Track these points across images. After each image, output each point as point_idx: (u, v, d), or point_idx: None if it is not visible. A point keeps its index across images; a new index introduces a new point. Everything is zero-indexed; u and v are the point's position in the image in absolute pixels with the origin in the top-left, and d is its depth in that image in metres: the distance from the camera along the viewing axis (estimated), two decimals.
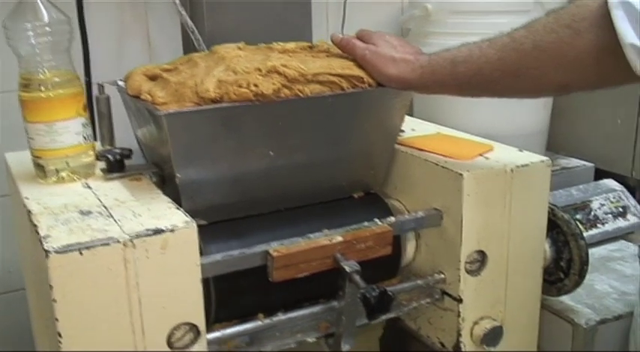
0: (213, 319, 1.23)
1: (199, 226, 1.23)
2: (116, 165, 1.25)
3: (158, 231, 1.02)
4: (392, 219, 1.32)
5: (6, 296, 1.80)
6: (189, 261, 1.06)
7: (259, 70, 1.18)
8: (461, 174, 1.27)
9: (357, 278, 1.17)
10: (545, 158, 1.36)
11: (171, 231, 1.03)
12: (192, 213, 1.13)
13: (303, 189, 1.34)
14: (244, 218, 1.30)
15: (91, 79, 1.72)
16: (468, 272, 1.34)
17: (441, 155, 1.36)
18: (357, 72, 1.25)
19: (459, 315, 1.35)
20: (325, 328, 1.27)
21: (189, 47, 1.71)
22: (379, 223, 1.28)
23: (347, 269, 1.18)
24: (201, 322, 1.09)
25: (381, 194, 1.45)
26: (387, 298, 1.12)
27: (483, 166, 1.31)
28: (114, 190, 1.20)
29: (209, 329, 1.17)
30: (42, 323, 1.23)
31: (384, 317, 1.30)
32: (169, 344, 1.07)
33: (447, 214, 1.33)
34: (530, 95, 1.22)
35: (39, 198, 1.16)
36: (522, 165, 1.33)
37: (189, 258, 1.05)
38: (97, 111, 1.33)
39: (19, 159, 1.33)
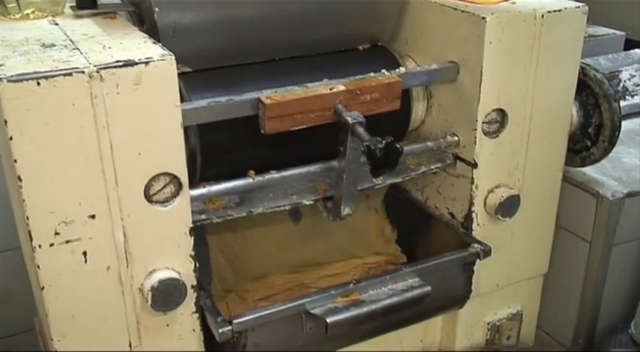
0: (199, 177, 1.11)
1: (183, 73, 1.11)
2: (87, 1, 1.09)
3: (130, 63, 0.87)
4: (402, 69, 1.16)
5: None
6: (167, 101, 0.91)
7: None
8: (483, 18, 1.10)
9: (360, 130, 1.03)
10: (580, 4, 1.19)
11: (146, 63, 0.88)
12: (175, 59, 0.99)
13: (301, 36, 1.18)
14: (234, 66, 1.16)
15: None
16: (485, 133, 1.20)
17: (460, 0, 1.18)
18: None
19: (472, 182, 1.23)
20: (323, 191, 1.15)
21: None
22: (387, 74, 1.13)
23: (349, 120, 1.04)
24: (182, 173, 0.96)
25: (389, 49, 1.29)
26: (393, 150, 0.98)
27: (509, 10, 1.14)
28: (83, 26, 1.04)
29: (194, 186, 1.05)
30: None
31: (389, 178, 1.18)
32: (147, 196, 0.95)
33: (464, 67, 1.17)
34: None
35: None
36: (555, 11, 1.16)
37: (166, 97, 0.91)
38: None
39: None
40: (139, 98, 0.89)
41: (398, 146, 0.99)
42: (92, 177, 0.90)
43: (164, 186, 0.96)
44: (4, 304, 1.71)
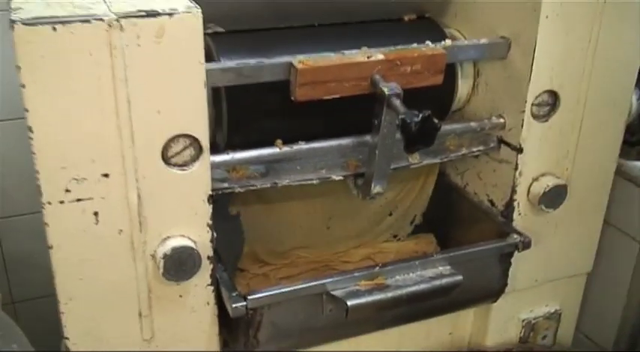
0: (226, 143, 1.06)
1: (215, 33, 1.05)
2: None
3: (153, 14, 0.82)
4: (447, 41, 1.08)
5: None
6: (190, 57, 0.86)
7: None
8: None
9: (396, 102, 0.95)
10: None
11: (170, 14, 0.82)
12: (208, 18, 0.94)
13: (343, 1, 1.11)
14: (270, 30, 1.09)
15: None
16: (535, 117, 1.11)
17: None
18: None
19: (516, 168, 1.14)
20: (354, 167, 1.08)
21: None
22: (431, 45, 1.05)
23: (385, 91, 0.96)
24: (204, 136, 0.91)
25: (437, 21, 1.21)
26: (430, 125, 0.90)
27: None
28: None
29: (217, 152, 0.99)
30: None
31: (427, 158, 1.11)
32: (165, 158, 0.90)
33: (516, 43, 1.09)
34: None
35: None
36: None
37: (190, 53, 0.85)
38: None
39: None
40: (161, 52, 0.83)
41: (435, 121, 0.91)
42: (107, 133, 0.85)
43: (183, 149, 0.91)
44: (28, 267, 1.70)
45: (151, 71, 0.84)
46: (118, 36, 0.81)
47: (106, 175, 0.87)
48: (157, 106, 0.86)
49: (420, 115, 0.90)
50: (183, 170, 0.91)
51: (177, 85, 0.86)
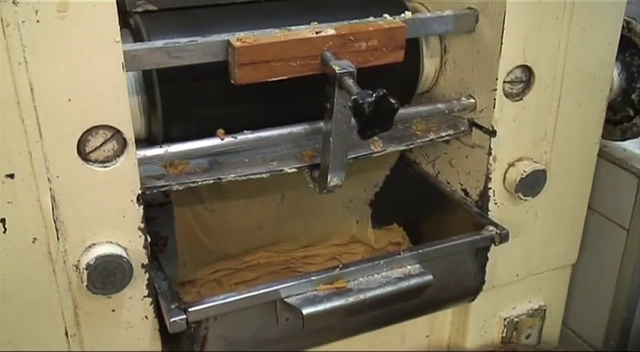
0: (163, 136, 0.94)
1: (146, 12, 0.94)
2: None
3: None
4: (407, 14, 0.97)
5: None
6: (103, 35, 0.74)
7: None
8: None
9: (349, 81, 0.84)
10: None
11: None
12: None
13: None
14: (209, 7, 0.97)
15: None
16: (507, 95, 1.00)
17: None
18: None
19: (489, 153, 1.04)
20: (310, 157, 0.97)
21: None
22: (389, 18, 0.94)
23: (336, 69, 0.85)
24: (126, 127, 0.79)
25: None
26: (386, 106, 0.79)
27: None
28: None
29: (149, 146, 0.87)
30: None
31: (391, 145, 1.00)
32: (82, 154, 0.78)
33: (484, 14, 0.99)
34: None
35: None
36: None
37: (102, 30, 0.74)
38: None
39: None
40: (66, 29, 0.72)
41: (392, 101, 0.80)
42: (8, 126, 0.73)
43: (104, 142, 0.79)
44: None
45: (56, 52, 0.72)
46: (11, 11, 0.69)
47: (11, 176, 0.75)
48: (66, 93, 0.74)
49: (374, 95, 0.79)
50: (105, 167, 0.80)
51: (90, 68, 0.74)
